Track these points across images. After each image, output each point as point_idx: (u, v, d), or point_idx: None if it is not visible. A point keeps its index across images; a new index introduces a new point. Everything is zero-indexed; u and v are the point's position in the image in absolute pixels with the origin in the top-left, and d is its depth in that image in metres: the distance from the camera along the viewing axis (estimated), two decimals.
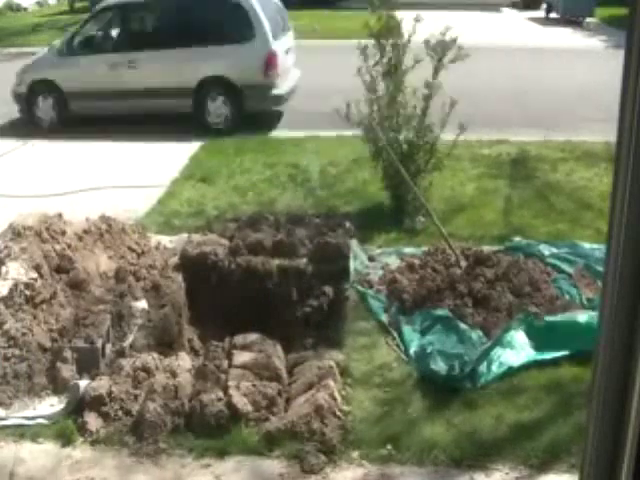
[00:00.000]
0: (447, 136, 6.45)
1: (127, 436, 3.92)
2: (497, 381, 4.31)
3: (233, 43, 10.04)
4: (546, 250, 5.78)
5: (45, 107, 10.45)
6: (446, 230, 5.81)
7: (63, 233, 5.39)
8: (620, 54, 1.08)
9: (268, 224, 6.40)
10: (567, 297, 5.14)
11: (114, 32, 10.89)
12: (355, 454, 3.77)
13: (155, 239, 6.21)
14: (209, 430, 3.94)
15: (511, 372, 4.37)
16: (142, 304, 5.18)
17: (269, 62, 9.87)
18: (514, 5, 23.84)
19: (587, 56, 15.25)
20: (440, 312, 4.90)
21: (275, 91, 10.04)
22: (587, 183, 7.55)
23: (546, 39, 17.83)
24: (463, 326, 4.76)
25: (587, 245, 5.86)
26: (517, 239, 6.08)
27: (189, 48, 10.01)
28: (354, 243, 5.99)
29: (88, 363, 4.45)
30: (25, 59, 11.68)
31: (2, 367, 4.28)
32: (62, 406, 4.15)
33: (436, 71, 6.29)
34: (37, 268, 4.93)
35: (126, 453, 3.82)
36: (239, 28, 9.94)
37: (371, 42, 6.34)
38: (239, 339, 4.75)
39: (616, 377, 1.13)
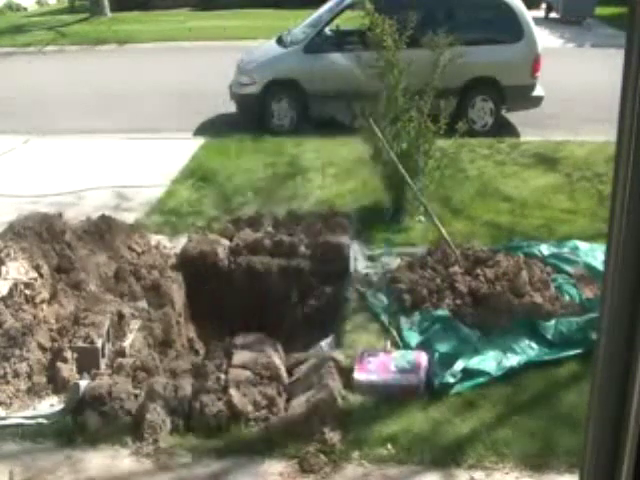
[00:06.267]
0: None
1: (127, 436, 3.92)
2: (497, 381, 4.31)
3: (501, 44, 9.78)
4: (546, 250, 5.78)
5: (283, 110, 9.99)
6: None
7: (63, 233, 5.39)
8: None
9: (268, 224, 6.40)
10: (567, 297, 5.14)
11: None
12: (355, 454, 3.77)
13: (155, 239, 6.21)
14: (209, 430, 3.94)
15: (511, 372, 4.37)
16: (142, 304, 5.18)
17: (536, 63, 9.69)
18: None
19: None
20: (440, 312, 4.91)
21: (535, 92, 9.88)
22: None
23: None
24: (462, 326, 4.76)
25: (587, 245, 5.86)
26: (517, 239, 6.08)
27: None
28: (354, 243, 5.98)
29: (88, 363, 4.45)
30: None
31: (2, 367, 4.28)
32: (62, 406, 4.15)
33: (435, 70, 6.29)
34: (37, 268, 4.93)
35: (126, 453, 3.82)
36: (508, 29, 9.72)
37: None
38: (239, 339, 4.75)
39: (616, 377, 1.13)
